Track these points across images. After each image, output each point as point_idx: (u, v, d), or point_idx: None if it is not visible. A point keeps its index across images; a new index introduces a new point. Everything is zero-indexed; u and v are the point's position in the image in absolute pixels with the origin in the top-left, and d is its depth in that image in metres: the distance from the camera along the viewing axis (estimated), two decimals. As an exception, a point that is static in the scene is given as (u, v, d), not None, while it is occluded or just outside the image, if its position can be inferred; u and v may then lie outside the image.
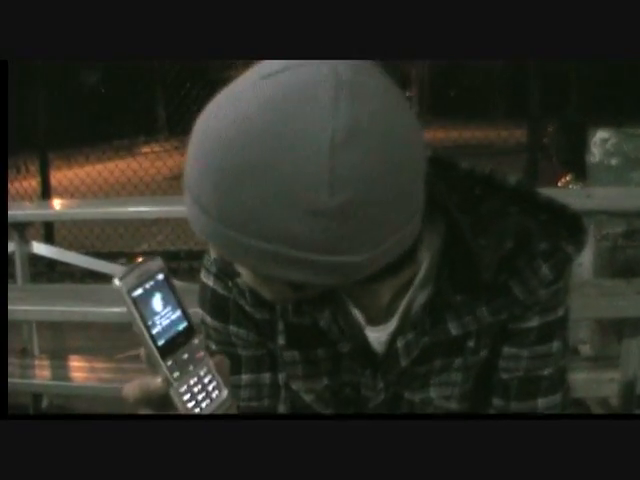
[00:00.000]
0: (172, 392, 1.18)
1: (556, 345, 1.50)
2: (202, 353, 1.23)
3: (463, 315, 1.43)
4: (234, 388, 1.56)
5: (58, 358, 5.15)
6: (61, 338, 5.60)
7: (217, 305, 1.52)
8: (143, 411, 1.21)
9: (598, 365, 4.54)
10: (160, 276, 1.18)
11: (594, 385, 4.31)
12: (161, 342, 1.17)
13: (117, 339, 4.25)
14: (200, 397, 1.21)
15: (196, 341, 1.22)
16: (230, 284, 1.49)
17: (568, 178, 7.32)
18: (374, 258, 1.14)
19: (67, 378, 4.89)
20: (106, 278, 6.04)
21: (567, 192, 6.13)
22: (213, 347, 1.57)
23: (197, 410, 1.20)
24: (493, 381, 1.54)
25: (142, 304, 1.15)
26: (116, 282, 1.12)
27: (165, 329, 1.17)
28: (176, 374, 1.18)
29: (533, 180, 7.30)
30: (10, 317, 4.72)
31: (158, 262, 1.18)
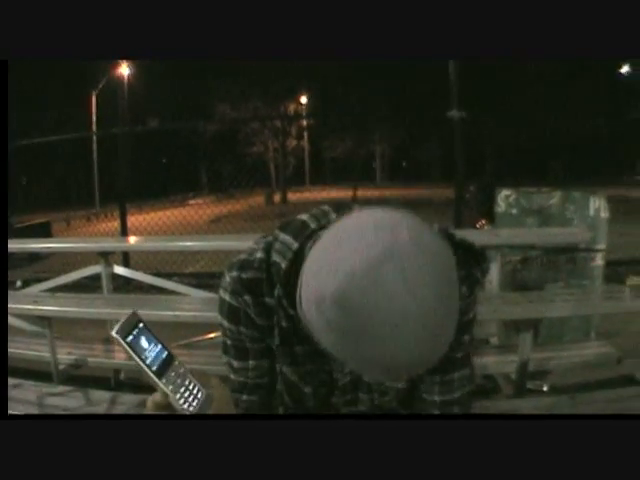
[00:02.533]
0: (171, 400, 1.25)
1: (467, 337, 1.53)
2: (183, 369, 1.30)
3: None
4: (243, 371, 1.58)
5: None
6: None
7: (232, 313, 1.52)
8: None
9: (503, 351, 4.56)
10: (140, 325, 1.25)
11: (500, 365, 4.32)
12: (154, 368, 1.24)
13: (172, 333, 4.22)
14: (190, 399, 1.28)
15: (176, 362, 1.30)
16: (240, 299, 1.49)
17: (483, 222, 7.37)
18: None
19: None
20: (163, 291, 6.08)
21: (482, 232, 6.17)
22: (228, 342, 1.57)
23: (190, 408, 1.27)
24: None
25: (135, 345, 1.22)
26: (114, 334, 1.19)
27: (154, 359, 1.25)
28: (170, 387, 1.25)
29: (458, 224, 7.35)
30: (99, 316, 4.78)
31: (136, 316, 1.25)
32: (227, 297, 1.52)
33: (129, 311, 1.23)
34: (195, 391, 1.29)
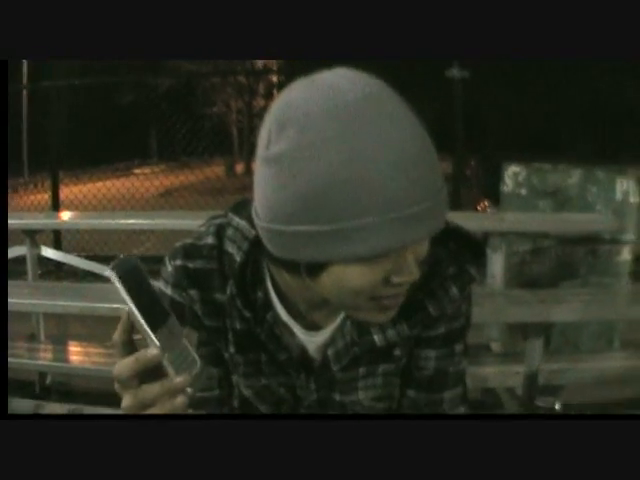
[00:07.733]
0: (164, 360, 1.13)
1: (458, 347, 1.53)
2: (178, 328, 1.18)
3: (386, 329, 1.43)
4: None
5: (60, 343, 5.16)
6: (63, 326, 5.58)
7: (173, 310, 1.46)
8: (132, 387, 1.12)
9: (506, 360, 4.56)
10: (139, 269, 1.14)
11: (502, 377, 4.31)
12: (149, 318, 1.12)
13: (108, 329, 4.17)
14: (183, 366, 1.15)
15: (172, 319, 1.17)
16: (184, 294, 1.44)
17: (485, 204, 7.37)
18: None
19: (67, 360, 4.91)
20: (101, 278, 6.04)
21: (484, 216, 6.17)
22: None
23: (185, 374, 1.14)
24: (408, 377, 1.54)
25: (130, 288, 1.11)
26: (109, 271, 1.10)
27: (149, 308, 1.13)
28: (163, 345, 1.12)
29: (456, 205, 7.33)
30: (21, 308, 4.74)
31: (135, 260, 1.15)
32: (169, 291, 1.46)
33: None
34: (190, 360, 1.17)
